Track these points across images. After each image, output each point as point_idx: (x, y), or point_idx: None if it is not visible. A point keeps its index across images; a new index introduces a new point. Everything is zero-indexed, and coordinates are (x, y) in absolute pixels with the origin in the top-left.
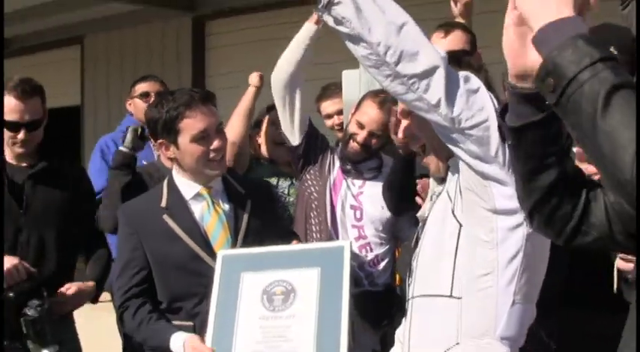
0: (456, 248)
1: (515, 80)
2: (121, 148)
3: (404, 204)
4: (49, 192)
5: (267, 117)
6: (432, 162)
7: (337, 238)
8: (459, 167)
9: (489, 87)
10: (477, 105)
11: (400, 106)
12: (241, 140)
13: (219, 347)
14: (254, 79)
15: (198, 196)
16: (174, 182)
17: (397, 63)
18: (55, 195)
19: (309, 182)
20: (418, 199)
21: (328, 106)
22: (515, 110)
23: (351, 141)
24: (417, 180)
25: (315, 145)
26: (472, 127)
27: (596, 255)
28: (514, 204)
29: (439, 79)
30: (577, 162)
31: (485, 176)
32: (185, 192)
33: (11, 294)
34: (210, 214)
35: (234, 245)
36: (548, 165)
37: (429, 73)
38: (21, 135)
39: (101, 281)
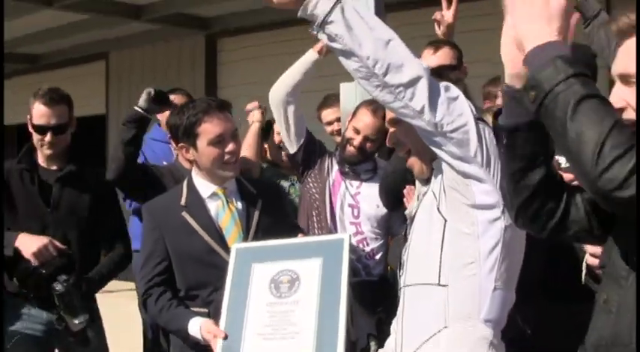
0: (442, 240)
1: (511, 80)
2: (135, 107)
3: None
4: (75, 194)
5: (274, 126)
6: (416, 164)
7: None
8: (441, 169)
9: (467, 96)
10: (457, 111)
11: (388, 116)
12: (253, 165)
13: (231, 330)
14: (256, 115)
15: (214, 195)
16: (193, 182)
17: (385, 74)
18: (80, 197)
19: (310, 184)
20: (406, 201)
21: (328, 114)
22: (509, 110)
23: (348, 145)
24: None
25: (313, 151)
26: (453, 131)
27: (570, 252)
28: (492, 199)
29: (422, 88)
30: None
31: (465, 175)
32: (202, 192)
33: (46, 270)
34: (224, 212)
35: (245, 240)
36: (536, 165)
37: (413, 83)
38: (48, 138)
39: (103, 279)
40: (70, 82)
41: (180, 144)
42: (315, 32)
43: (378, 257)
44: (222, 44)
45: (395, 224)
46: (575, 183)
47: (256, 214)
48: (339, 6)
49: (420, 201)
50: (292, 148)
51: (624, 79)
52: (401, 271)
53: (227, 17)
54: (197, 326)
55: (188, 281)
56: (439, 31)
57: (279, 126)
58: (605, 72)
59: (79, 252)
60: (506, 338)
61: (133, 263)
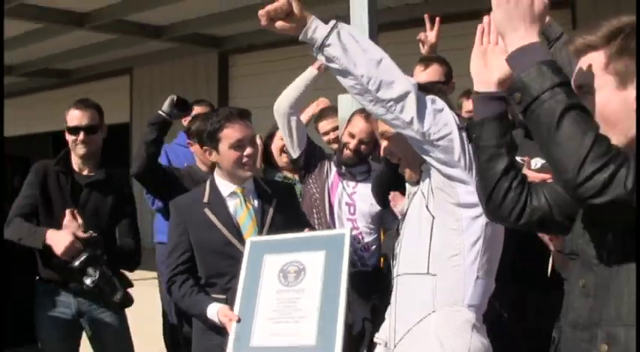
0: (430, 235)
1: (480, 86)
2: (160, 111)
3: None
4: (100, 197)
5: (277, 132)
6: (406, 171)
7: None
8: (429, 172)
9: (450, 107)
10: (442, 122)
11: (380, 129)
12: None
13: (244, 314)
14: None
15: (233, 194)
16: (215, 182)
17: (377, 90)
18: (104, 200)
19: (311, 184)
20: (392, 204)
21: (325, 125)
22: (477, 110)
23: (345, 149)
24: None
25: (313, 156)
26: (439, 139)
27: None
28: (474, 198)
29: (411, 101)
30: (525, 169)
31: (451, 178)
32: (223, 191)
33: (76, 264)
34: (242, 209)
35: (260, 234)
36: (500, 154)
37: (402, 98)
38: (81, 137)
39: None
40: (98, 94)
41: (204, 147)
42: (315, 54)
43: (372, 249)
44: (233, 60)
45: (388, 219)
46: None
47: (271, 211)
48: (335, 31)
49: (411, 200)
50: (295, 153)
51: (579, 90)
52: (394, 262)
53: (238, 36)
54: (214, 311)
55: (208, 270)
56: (423, 49)
57: (282, 134)
58: None
59: None
60: (487, 322)
61: (157, 253)
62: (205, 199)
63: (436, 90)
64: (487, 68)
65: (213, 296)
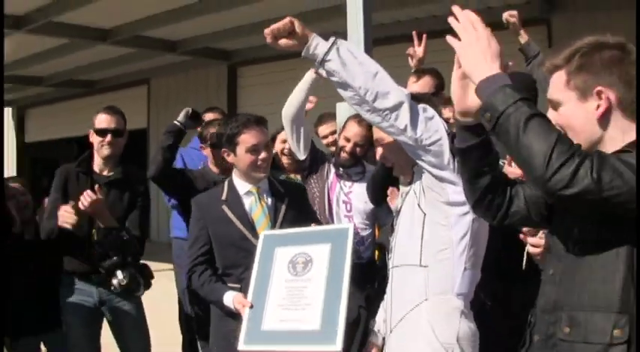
0: (422, 230)
1: (460, 116)
2: (175, 121)
3: (380, 197)
4: (118, 195)
5: (277, 136)
6: (400, 173)
7: None
8: (421, 174)
9: (440, 115)
10: (433, 128)
11: (375, 136)
12: None
13: (256, 301)
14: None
15: (249, 193)
16: (233, 182)
17: (374, 101)
18: (122, 198)
19: (313, 184)
20: (389, 199)
21: (323, 130)
22: (461, 136)
23: (342, 152)
24: (389, 188)
25: (316, 159)
26: (430, 144)
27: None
28: (462, 197)
29: (405, 111)
30: (507, 166)
31: (441, 179)
32: (240, 189)
33: (106, 265)
34: (256, 206)
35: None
36: (484, 172)
37: (397, 107)
38: (108, 138)
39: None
40: (118, 102)
41: (222, 150)
42: (316, 69)
43: (366, 244)
44: (241, 72)
45: (381, 216)
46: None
47: (283, 208)
48: (335, 47)
49: (404, 199)
50: (301, 156)
51: (552, 103)
52: (389, 255)
53: (245, 50)
54: (230, 298)
55: (225, 262)
56: (412, 63)
57: (289, 139)
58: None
59: None
60: (473, 310)
61: (173, 247)
62: (224, 197)
63: (426, 100)
64: (467, 98)
65: (229, 285)
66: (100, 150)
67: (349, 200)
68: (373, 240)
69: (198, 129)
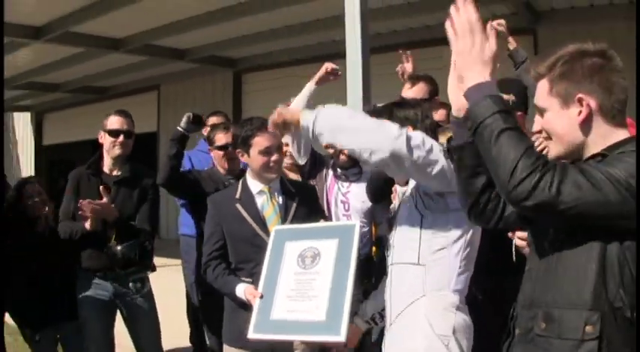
0: (420, 231)
1: (457, 112)
2: (178, 127)
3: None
4: (127, 194)
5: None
6: (395, 177)
7: None
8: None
9: (433, 127)
10: (434, 159)
11: None
12: None
13: (266, 292)
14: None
15: (261, 192)
16: (246, 181)
17: (369, 157)
18: (131, 196)
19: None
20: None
21: None
22: (457, 134)
23: (341, 154)
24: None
25: (315, 162)
26: (435, 175)
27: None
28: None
29: (402, 155)
30: None
31: (442, 195)
32: (253, 189)
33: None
34: (268, 205)
35: None
36: (479, 173)
37: (394, 157)
38: (120, 139)
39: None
40: (130, 107)
41: (237, 150)
42: (312, 143)
43: (364, 241)
44: (246, 78)
45: (378, 214)
46: None
47: (293, 207)
48: (313, 116)
49: (401, 199)
50: (301, 161)
51: (538, 109)
52: (388, 252)
53: (250, 58)
54: (242, 290)
55: (237, 257)
56: (402, 79)
57: (289, 144)
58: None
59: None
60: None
61: (181, 243)
62: (237, 195)
63: (414, 104)
64: (463, 96)
65: (242, 279)
66: (112, 150)
67: (347, 200)
68: (370, 237)
69: (204, 132)
